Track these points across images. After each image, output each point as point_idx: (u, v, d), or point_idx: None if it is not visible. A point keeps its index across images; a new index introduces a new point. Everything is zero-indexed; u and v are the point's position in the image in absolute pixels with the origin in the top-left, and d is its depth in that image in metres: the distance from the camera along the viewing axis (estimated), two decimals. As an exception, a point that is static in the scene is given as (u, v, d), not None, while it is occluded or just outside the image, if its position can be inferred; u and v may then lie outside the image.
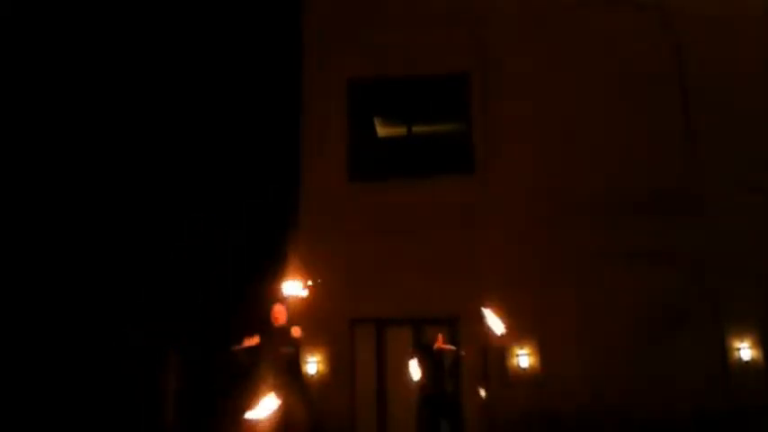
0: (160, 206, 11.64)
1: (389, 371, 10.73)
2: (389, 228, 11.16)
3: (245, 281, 10.89)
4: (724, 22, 11.38)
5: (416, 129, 12.02)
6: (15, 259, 10.88)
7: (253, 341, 7.44)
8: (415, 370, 8.85)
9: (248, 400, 6.91)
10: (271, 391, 6.92)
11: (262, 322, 7.67)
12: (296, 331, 7.61)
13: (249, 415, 6.77)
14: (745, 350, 10.27)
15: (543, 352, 10.47)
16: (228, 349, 7.48)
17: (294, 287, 7.50)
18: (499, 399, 10.30)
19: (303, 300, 7.56)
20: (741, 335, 10.32)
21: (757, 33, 11.38)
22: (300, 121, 11.80)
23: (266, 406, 6.82)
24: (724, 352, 10.29)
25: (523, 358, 10.51)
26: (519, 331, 10.47)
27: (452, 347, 9.37)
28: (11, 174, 11.31)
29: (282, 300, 7.60)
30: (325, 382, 10.63)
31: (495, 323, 7.90)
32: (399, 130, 12.16)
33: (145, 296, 11.06)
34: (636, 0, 11.68)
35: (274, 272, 8.00)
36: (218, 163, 11.85)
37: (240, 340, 7.42)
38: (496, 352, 10.50)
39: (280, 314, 7.66)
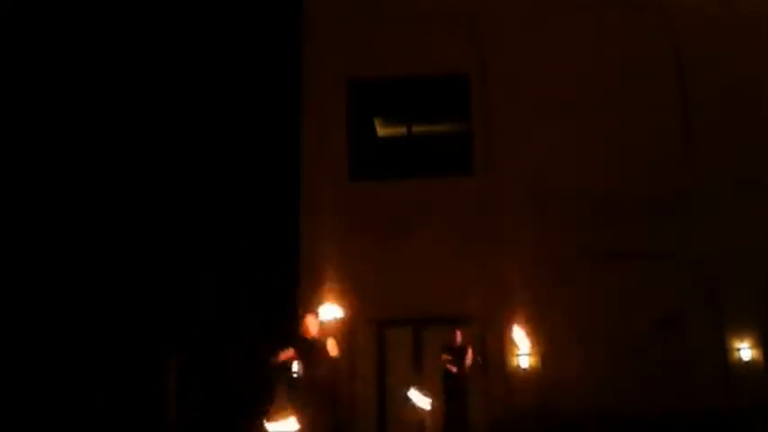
0: (160, 207, 11.63)
1: (390, 373, 10.73)
2: (390, 227, 11.15)
3: (245, 283, 10.91)
4: (724, 22, 11.38)
5: (416, 129, 12.03)
6: (18, 262, 10.88)
7: (288, 354, 6.95)
8: (421, 399, 8.44)
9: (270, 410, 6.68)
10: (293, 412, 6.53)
11: (293, 335, 7.22)
12: (332, 346, 7.07)
13: (270, 427, 6.42)
14: (745, 350, 10.29)
15: (543, 352, 10.47)
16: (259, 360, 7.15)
17: (330, 311, 7.05)
18: (498, 399, 10.31)
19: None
20: (741, 335, 10.33)
21: (757, 33, 11.37)
22: (300, 121, 11.80)
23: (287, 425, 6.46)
24: (724, 352, 10.30)
25: (523, 358, 10.50)
26: (517, 331, 10.54)
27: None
28: (15, 177, 11.31)
29: (314, 311, 7.18)
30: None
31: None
32: (399, 130, 12.16)
33: (146, 299, 11.05)
34: (635, 0, 11.69)
35: (277, 274, 7.89)
36: (219, 164, 11.84)
37: (274, 353, 6.95)
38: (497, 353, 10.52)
39: (311, 325, 7.14)
